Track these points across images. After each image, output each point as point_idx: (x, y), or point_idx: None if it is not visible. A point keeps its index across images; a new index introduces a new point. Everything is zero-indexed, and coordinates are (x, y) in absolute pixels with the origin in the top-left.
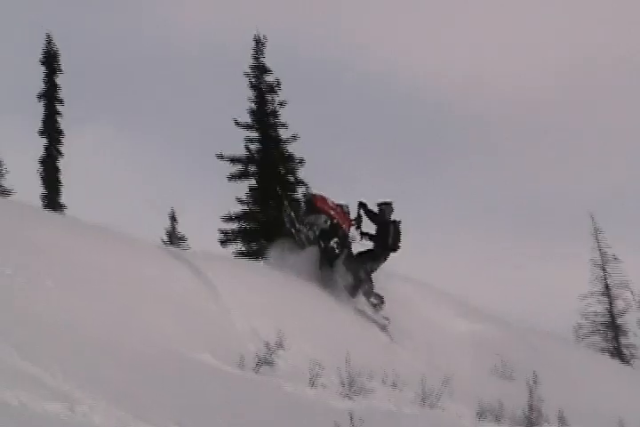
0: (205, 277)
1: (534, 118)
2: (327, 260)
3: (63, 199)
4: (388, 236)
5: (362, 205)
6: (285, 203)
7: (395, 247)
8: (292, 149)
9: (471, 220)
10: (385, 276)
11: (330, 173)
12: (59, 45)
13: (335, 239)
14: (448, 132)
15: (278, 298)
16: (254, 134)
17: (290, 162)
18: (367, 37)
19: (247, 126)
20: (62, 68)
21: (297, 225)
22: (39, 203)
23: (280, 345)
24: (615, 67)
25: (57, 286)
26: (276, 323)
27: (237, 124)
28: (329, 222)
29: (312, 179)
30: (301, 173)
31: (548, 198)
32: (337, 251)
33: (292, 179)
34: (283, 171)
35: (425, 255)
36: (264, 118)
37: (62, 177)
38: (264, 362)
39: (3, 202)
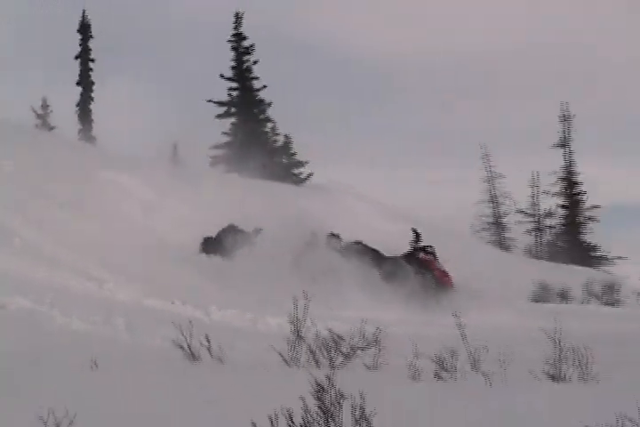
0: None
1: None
2: None
3: (95, 133)
4: None
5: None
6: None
7: None
8: (262, 95)
9: (403, 150)
10: (328, 189)
11: (292, 113)
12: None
13: None
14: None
15: None
16: (235, 85)
17: (261, 105)
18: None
19: (229, 79)
20: (93, 35)
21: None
22: (76, 136)
23: None
24: None
25: None
26: None
27: (222, 77)
28: None
29: (278, 117)
30: (269, 113)
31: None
32: None
33: (262, 117)
34: (256, 111)
35: (371, 171)
36: (242, 73)
37: (94, 116)
38: None
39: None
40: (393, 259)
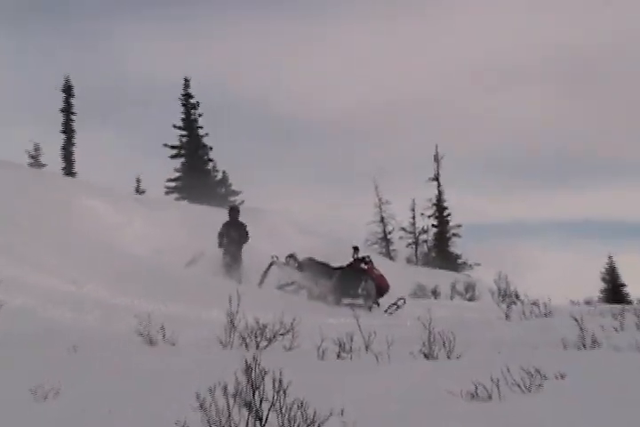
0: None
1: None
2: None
3: (76, 170)
4: None
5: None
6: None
7: None
8: (206, 140)
9: (316, 181)
10: (259, 211)
11: (227, 155)
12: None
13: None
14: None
15: None
16: (184, 132)
17: (204, 148)
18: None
19: (180, 128)
20: (74, 93)
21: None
22: (61, 172)
23: None
24: None
25: None
26: None
27: (174, 126)
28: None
29: (218, 158)
30: (211, 154)
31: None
32: None
33: (205, 157)
34: (200, 152)
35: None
36: (190, 123)
37: (75, 157)
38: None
39: None
40: (339, 270)
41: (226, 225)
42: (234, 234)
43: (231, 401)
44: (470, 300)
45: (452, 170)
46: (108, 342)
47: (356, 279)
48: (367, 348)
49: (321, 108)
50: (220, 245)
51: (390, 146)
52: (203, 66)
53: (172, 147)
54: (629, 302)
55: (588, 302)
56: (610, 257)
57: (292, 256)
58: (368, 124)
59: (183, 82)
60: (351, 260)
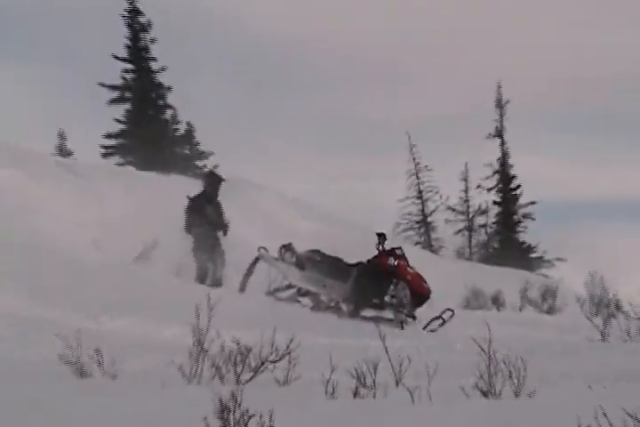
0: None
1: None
2: None
3: None
4: None
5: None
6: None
7: None
8: (161, 78)
9: (316, 143)
10: (240, 184)
11: (194, 100)
12: None
13: None
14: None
15: None
16: (130, 66)
17: (159, 89)
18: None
19: (124, 60)
20: None
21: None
22: None
23: None
24: None
25: None
26: None
27: (116, 57)
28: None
29: (180, 104)
30: (169, 98)
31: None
32: None
33: (161, 103)
34: (154, 96)
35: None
36: (138, 53)
37: None
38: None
39: None
40: (358, 267)
41: (198, 200)
42: (211, 214)
43: None
44: (549, 312)
45: (518, 123)
46: (18, 374)
47: (381, 281)
48: (398, 381)
49: (328, 42)
50: (190, 231)
51: (425, 94)
52: None
53: (112, 87)
54: None
55: None
56: None
57: (288, 248)
58: (391, 63)
59: None
60: (375, 253)
